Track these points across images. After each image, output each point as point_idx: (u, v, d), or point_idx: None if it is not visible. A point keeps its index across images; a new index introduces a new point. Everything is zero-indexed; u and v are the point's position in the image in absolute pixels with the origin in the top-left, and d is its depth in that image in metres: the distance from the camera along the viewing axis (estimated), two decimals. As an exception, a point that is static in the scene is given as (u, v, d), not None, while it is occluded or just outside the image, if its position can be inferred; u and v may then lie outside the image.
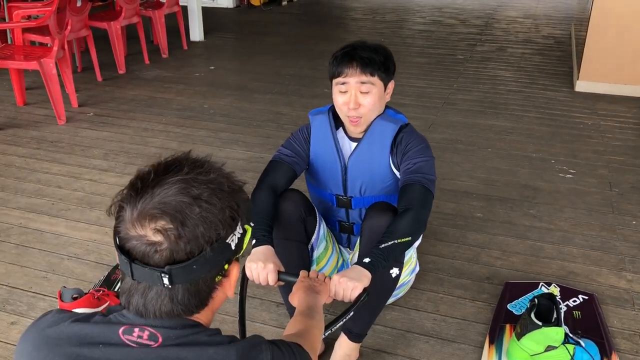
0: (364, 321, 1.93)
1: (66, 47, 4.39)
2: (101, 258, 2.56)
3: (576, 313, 2.22)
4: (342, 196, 2.02)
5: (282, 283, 1.69)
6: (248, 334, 1.34)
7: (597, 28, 4.90)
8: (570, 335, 1.96)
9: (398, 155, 1.91)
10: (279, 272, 1.66)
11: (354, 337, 1.95)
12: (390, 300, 2.15)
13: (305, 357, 1.08)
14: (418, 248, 2.20)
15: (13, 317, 2.19)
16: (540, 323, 1.88)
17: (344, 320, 1.56)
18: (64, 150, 3.68)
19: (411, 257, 2.07)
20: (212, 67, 5.73)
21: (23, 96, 4.47)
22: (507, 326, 2.13)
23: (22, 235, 2.72)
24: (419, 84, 5.23)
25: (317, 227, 2.00)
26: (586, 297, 2.31)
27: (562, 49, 6.58)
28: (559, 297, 2.30)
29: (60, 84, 4.18)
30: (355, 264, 1.65)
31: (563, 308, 2.24)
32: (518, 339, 1.93)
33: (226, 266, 1.01)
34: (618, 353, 2.05)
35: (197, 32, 6.75)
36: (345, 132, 2.00)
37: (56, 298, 2.17)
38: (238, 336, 1.12)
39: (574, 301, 2.29)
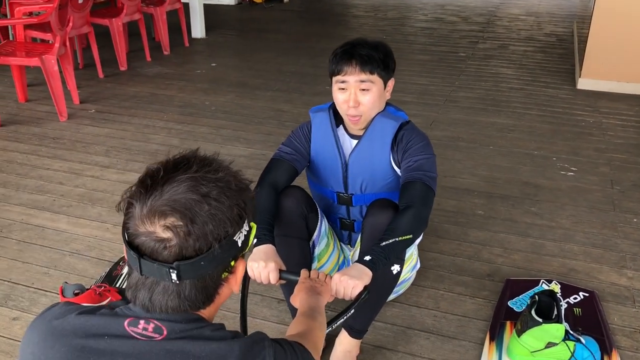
0: (365, 318, 1.93)
1: (68, 43, 4.38)
2: (103, 254, 2.57)
3: (577, 310, 2.22)
4: (343, 193, 2.03)
5: (283, 282, 1.70)
6: (249, 331, 1.34)
7: (600, 26, 4.89)
8: (571, 332, 1.97)
9: (399, 152, 1.91)
10: (281, 271, 1.66)
11: (355, 333, 1.95)
12: (391, 297, 2.16)
13: (307, 357, 1.08)
14: (419, 245, 2.21)
15: (15, 313, 2.20)
16: (540, 320, 1.88)
17: (345, 318, 1.57)
18: (66, 147, 3.69)
19: (412, 254, 2.07)
20: (214, 64, 5.73)
21: (25, 93, 4.47)
22: (508, 323, 2.13)
23: (24, 232, 2.73)
24: (421, 81, 5.23)
25: (318, 224, 2.00)
26: (587, 294, 2.31)
27: (564, 47, 6.57)
28: (560, 294, 2.30)
29: (62, 80, 4.18)
30: (356, 261, 1.65)
31: (563, 305, 2.24)
32: (518, 336, 1.93)
33: (232, 263, 1.02)
34: (618, 350, 2.05)
35: (198, 29, 6.75)
36: (346, 130, 2.00)
37: (58, 294, 2.18)
38: (239, 332, 1.13)
39: (575, 298, 2.29)
